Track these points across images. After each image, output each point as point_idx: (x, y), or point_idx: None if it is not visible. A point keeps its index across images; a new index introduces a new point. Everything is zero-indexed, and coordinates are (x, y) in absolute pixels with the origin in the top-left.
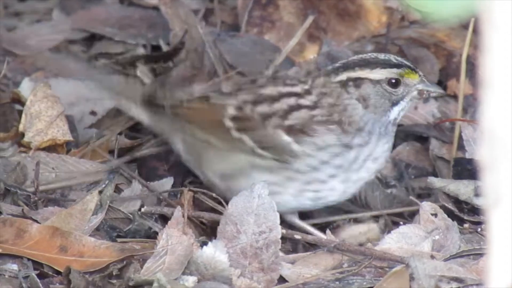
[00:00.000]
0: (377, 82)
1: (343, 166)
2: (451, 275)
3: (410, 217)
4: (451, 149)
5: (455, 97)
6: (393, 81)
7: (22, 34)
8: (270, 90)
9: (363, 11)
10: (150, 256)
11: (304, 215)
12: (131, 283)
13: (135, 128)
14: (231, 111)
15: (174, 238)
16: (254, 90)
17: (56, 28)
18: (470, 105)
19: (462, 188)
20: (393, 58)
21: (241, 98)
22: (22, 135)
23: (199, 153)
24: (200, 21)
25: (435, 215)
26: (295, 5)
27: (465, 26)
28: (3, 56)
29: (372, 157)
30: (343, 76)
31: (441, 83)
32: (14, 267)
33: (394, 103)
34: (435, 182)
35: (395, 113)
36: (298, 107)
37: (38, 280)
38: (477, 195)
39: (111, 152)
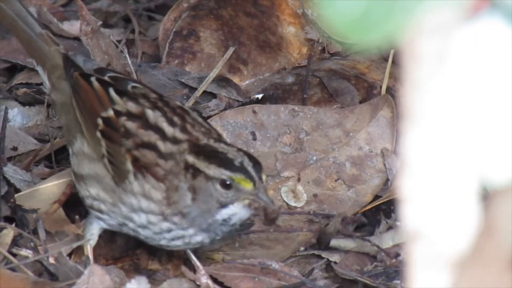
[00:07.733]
0: (210, 178)
1: (152, 229)
2: None
3: None
4: None
5: None
6: (225, 182)
7: None
8: (155, 114)
9: (284, 42)
10: None
11: None
12: None
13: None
14: (110, 112)
15: (96, 277)
16: (144, 105)
17: None
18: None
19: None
20: (240, 158)
21: (128, 106)
22: None
23: (72, 133)
24: (122, 51)
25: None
26: (216, 37)
27: (385, 58)
28: None
29: (182, 238)
30: (190, 159)
31: None
32: None
33: (223, 205)
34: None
35: (224, 215)
36: (153, 146)
37: None
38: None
39: None
